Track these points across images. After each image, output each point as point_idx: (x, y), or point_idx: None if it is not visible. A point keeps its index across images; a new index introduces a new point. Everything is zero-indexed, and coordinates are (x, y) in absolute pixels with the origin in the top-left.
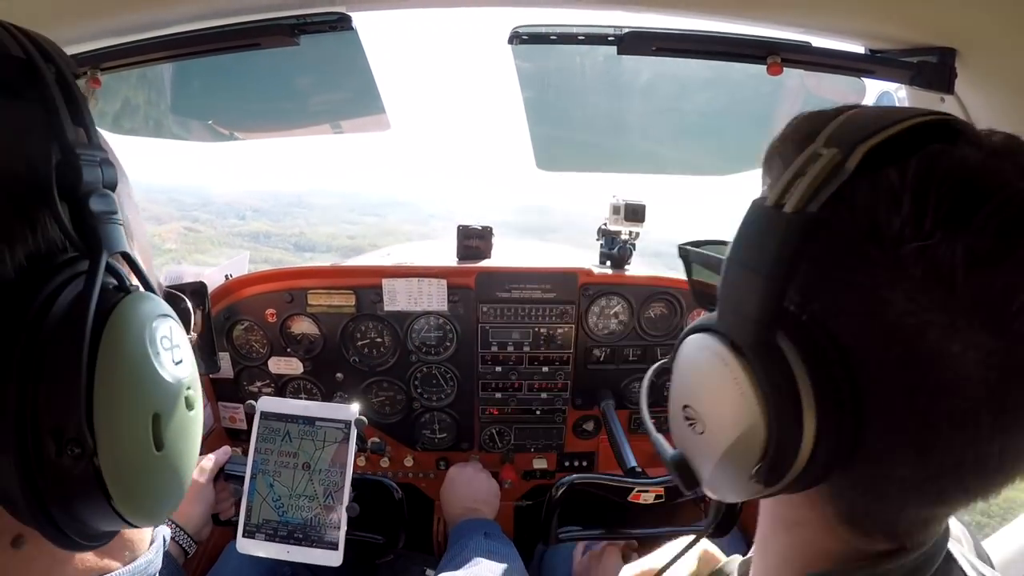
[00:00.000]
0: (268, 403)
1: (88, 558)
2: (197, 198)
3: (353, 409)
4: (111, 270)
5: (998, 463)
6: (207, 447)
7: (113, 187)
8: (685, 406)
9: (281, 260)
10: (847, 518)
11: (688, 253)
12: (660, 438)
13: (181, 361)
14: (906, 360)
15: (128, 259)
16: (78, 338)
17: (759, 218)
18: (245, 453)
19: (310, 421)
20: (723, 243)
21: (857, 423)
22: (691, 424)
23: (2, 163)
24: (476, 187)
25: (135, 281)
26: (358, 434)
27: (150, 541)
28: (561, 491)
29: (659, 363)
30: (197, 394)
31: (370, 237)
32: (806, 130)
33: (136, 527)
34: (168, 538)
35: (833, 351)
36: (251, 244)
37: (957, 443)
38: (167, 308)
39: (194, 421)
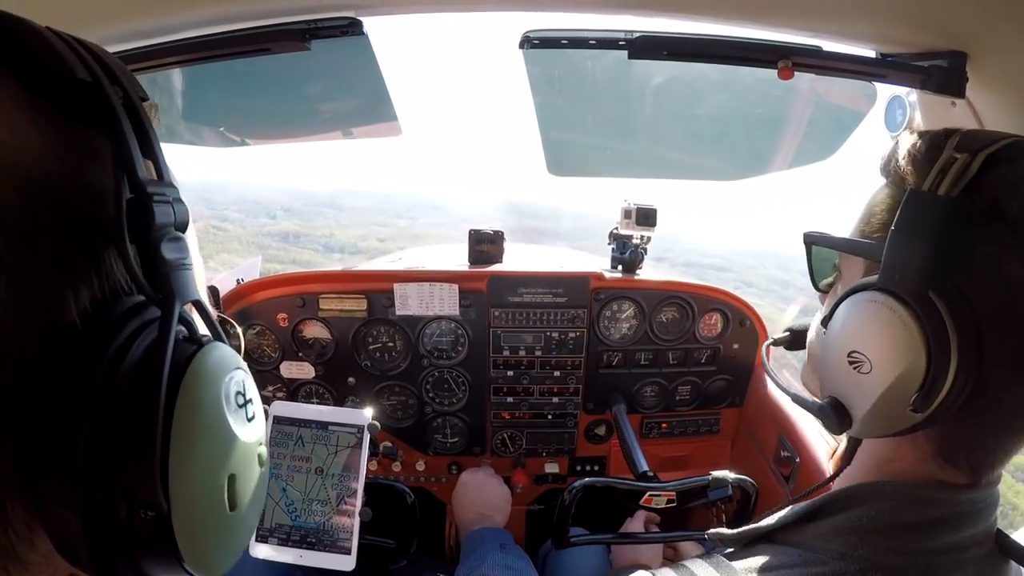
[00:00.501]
0: (281, 407)
1: None
2: (228, 196)
3: (366, 414)
4: (182, 319)
5: None
6: None
7: (184, 228)
8: (852, 352)
9: (310, 261)
10: (944, 451)
11: (813, 238)
12: (801, 389)
13: (254, 417)
14: (1017, 310)
15: (199, 307)
16: (153, 395)
17: (920, 201)
18: None
19: (323, 426)
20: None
21: (981, 358)
22: (856, 366)
23: (68, 197)
24: (488, 191)
25: (204, 329)
26: (370, 438)
27: None
28: (574, 495)
29: (772, 339)
30: (265, 451)
31: (400, 240)
32: (928, 144)
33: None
34: None
35: (965, 301)
36: (280, 244)
37: None
38: (239, 360)
39: (264, 477)
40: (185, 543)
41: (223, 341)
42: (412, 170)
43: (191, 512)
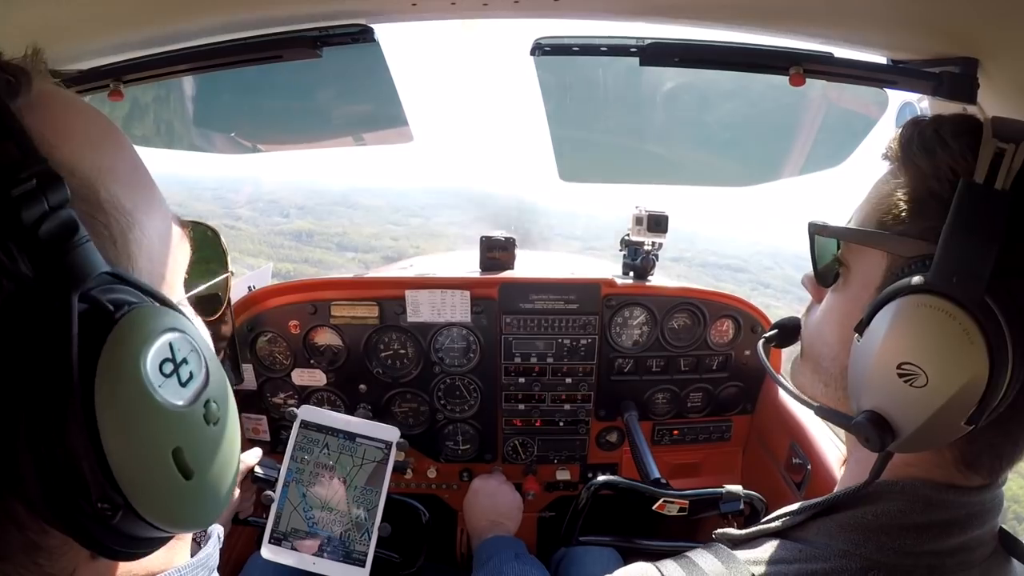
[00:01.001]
0: (309, 412)
1: (159, 555)
2: (242, 195)
3: (396, 431)
4: (88, 298)
5: None
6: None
7: (64, 202)
8: (903, 363)
9: (322, 260)
10: (968, 456)
11: (818, 228)
12: (837, 412)
13: (190, 378)
14: None
15: (116, 277)
16: (68, 395)
17: (977, 196)
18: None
19: (351, 437)
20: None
21: None
22: (908, 379)
23: None
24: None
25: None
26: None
27: (207, 537)
28: (592, 490)
29: (763, 337)
30: (220, 400)
31: (414, 239)
32: (956, 129)
33: (192, 531)
34: (222, 536)
35: (1019, 306)
36: (293, 243)
37: None
38: (160, 318)
39: (221, 434)
40: (152, 516)
41: (154, 302)
42: (425, 170)
43: (146, 493)
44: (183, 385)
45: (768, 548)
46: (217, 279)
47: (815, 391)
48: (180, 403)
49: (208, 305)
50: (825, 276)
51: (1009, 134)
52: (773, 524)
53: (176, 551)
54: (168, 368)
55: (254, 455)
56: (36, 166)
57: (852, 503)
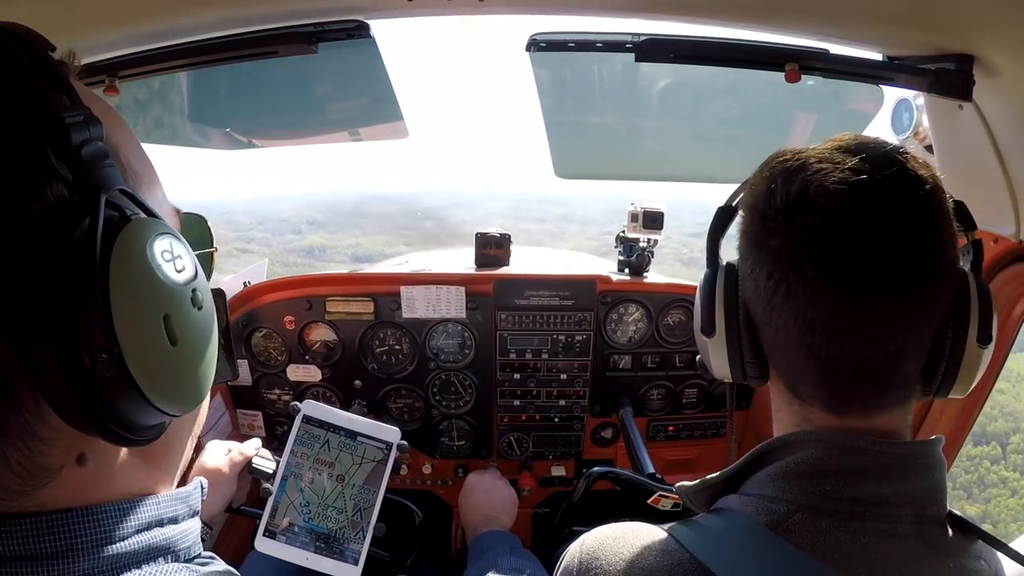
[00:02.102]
0: (312, 408)
1: (140, 478)
2: (253, 217)
3: (397, 431)
4: (113, 206)
5: None
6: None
7: (100, 137)
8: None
9: None
10: (790, 390)
11: None
12: None
13: (183, 269)
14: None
15: (127, 194)
16: (90, 264)
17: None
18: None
19: (352, 435)
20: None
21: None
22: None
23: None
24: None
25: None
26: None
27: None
28: (591, 480)
29: None
30: (204, 294)
31: (428, 244)
32: None
33: (173, 415)
34: (205, 487)
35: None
36: (306, 260)
37: None
38: (165, 227)
39: (204, 318)
40: (141, 378)
41: (155, 216)
42: (433, 171)
43: (137, 349)
44: (178, 271)
45: (729, 511)
46: (204, 251)
47: None
48: (175, 279)
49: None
50: None
51: None
52: (719, 475)
53: (160, 482)
54: (168, 256)
55: (252, 446)
56: (83, 109)
57: (776, 454)
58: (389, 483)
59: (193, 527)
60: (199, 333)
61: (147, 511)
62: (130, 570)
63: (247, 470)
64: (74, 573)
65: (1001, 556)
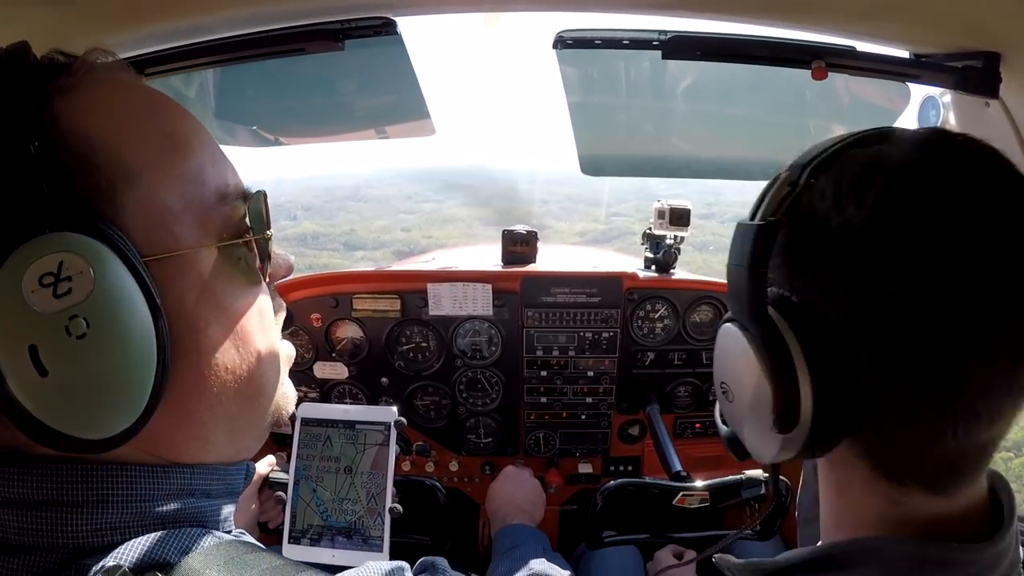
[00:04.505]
0: (308, 409)
1: (177, 448)
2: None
3: (392, 410)
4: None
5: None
6: (253, 457)
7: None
8: (721, 383)
9: (328, 264)
10: (881, 470)
11: None
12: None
13: (68, 292)
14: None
15: (72, 204)
16: None
17: (742, 231)
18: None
19: (350, 425)
20: None
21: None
22: (725, 395)
23: None
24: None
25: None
26: (402, 437)
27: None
28: (606, 495)
29: None
30: (99, 323)
31: (426, 228)
32: None
33: (89, 439)
34: (251, 471)
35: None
36: (297, 248)
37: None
38: (69, 245)
39: (86, 349)
40: (27, 403)
41: (86, 232)
42: (435, 154)
43: (12, 379)
44: (56, 297)
45: None
46: (255, 192)
47: None
48: (42, 309)
49: (258, 224)
50: None
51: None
52: (770, 563)
53: (201, 452)
54: (48, 280)
55: (266, 464)
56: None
57: (845, 563)
58: (411, 471)
59: (227, 504)
60: (77, 367)
61: (177, 479)
62: (156, 530)
63: (267, 486)
64: (103, 523)
65: None
